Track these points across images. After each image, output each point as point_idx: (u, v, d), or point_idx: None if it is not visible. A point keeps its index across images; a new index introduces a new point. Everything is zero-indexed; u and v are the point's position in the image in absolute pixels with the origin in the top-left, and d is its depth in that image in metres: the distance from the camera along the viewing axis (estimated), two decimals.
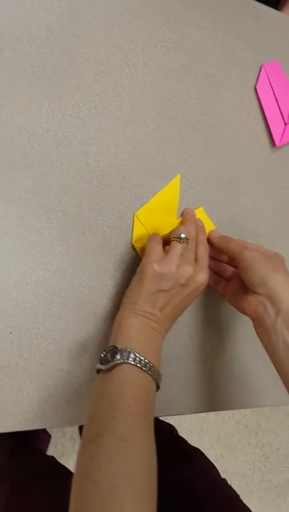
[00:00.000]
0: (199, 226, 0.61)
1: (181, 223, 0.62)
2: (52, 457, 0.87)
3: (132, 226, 0.59)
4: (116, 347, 0.47)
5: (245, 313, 0.56)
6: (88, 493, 0.37)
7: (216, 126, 0.67)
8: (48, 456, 0.91)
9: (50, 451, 1.29)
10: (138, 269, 0.53)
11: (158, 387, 0.49)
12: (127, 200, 0.59)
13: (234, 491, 0.68)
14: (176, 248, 0.53)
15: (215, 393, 0.65)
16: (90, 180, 0.57)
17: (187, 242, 0.55)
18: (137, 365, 0.46)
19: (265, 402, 0.69)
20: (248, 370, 0.68)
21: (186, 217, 0.62)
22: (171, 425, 0.93)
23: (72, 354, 0.55)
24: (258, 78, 0.71)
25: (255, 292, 0.54)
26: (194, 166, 0.65)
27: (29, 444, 1.08)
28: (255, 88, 0.71)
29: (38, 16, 0.55)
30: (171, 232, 0.56)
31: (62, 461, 0.82)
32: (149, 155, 0.61)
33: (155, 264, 0.51)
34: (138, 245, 0.59)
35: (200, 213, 0.64)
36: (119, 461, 0.39)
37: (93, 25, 0.58)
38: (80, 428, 1.33)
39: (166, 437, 0.86)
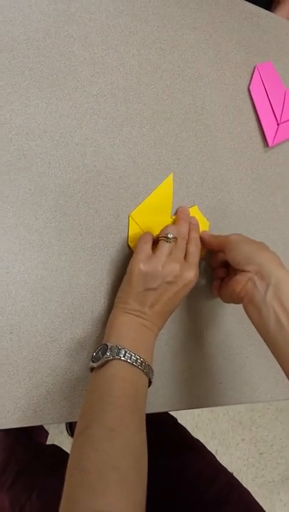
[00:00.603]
0: (193, 224, 0.62)
1: (175, 222, 0.63)
2: (54, 445, 0.89)
3: (128, 226, 0.60)
4: (107, 345, 0.49)
5: (234, 296, 0.55)
6: (77, 481, 0.39)
7: (209, 127, 0.68)
8: (50, 444, 0.93)
9: None
10: (127, 269, 0.54)
11: (150, 383, 0.50)
12: (123, 199, 0.60)
13: (237, 479, 0.69)
14: (163, 247, 0.54)
15: (209, 389, 0.66)
16: (87, 181, 0.58)
17: (175, 242, 0.56)
18: (127, 361, 0.47)
19: (259, 397, 0.70)
20: (242, 367, 0.69)
21: (179, 215, 0.63)
22: (173, 416, 0.95)
23: (70, 352, 0.56)
24: (251, 79, 0.72)
25: (243, 271, 0.54)
26: (189, 166, 0.66)
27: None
28: (249, 89, 0.72)
29: (35, 18, 0.56)
30: (160, 231, 0.57)
31: None
32: (145, 155, 0.62)
33: (141, 263, 0.52)
34: (133, 245, 0.60)
35: (194, 211, 0.65)
36: (106, 450, 0.40)
37: (89, 27, 0.59)
38: (69, 424, 1.35)
39: (170, 427, 0.87)
